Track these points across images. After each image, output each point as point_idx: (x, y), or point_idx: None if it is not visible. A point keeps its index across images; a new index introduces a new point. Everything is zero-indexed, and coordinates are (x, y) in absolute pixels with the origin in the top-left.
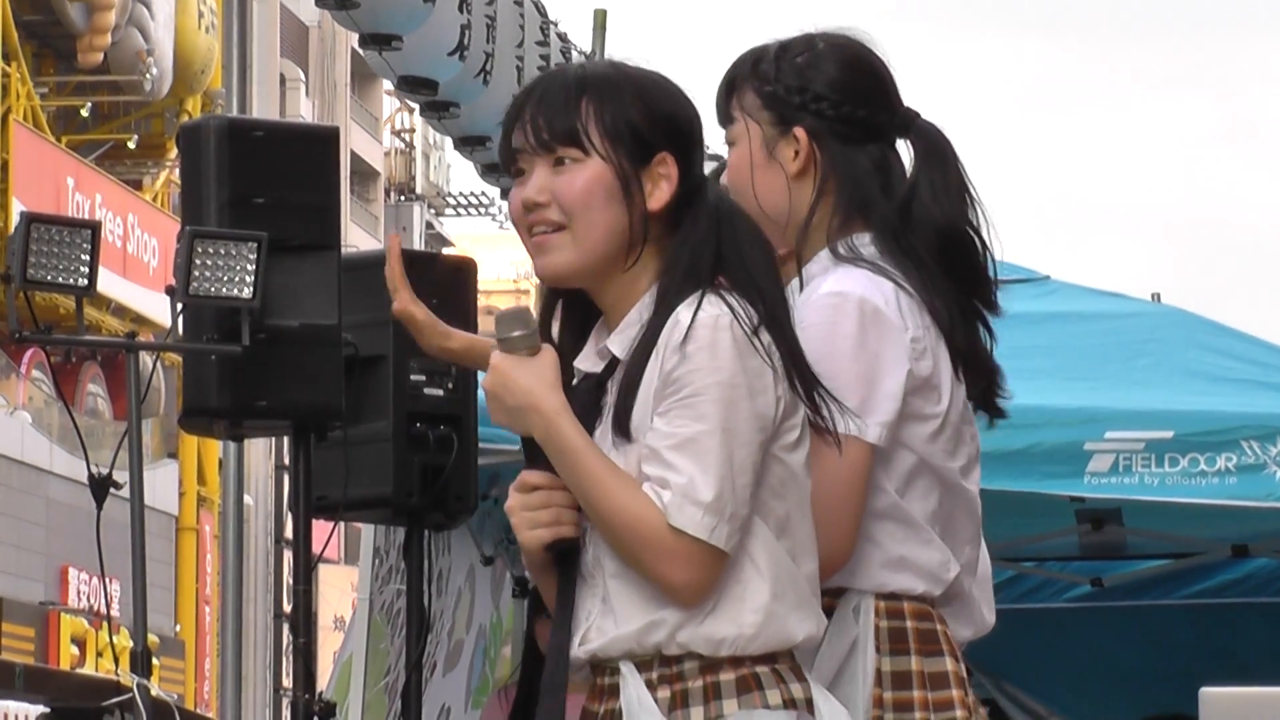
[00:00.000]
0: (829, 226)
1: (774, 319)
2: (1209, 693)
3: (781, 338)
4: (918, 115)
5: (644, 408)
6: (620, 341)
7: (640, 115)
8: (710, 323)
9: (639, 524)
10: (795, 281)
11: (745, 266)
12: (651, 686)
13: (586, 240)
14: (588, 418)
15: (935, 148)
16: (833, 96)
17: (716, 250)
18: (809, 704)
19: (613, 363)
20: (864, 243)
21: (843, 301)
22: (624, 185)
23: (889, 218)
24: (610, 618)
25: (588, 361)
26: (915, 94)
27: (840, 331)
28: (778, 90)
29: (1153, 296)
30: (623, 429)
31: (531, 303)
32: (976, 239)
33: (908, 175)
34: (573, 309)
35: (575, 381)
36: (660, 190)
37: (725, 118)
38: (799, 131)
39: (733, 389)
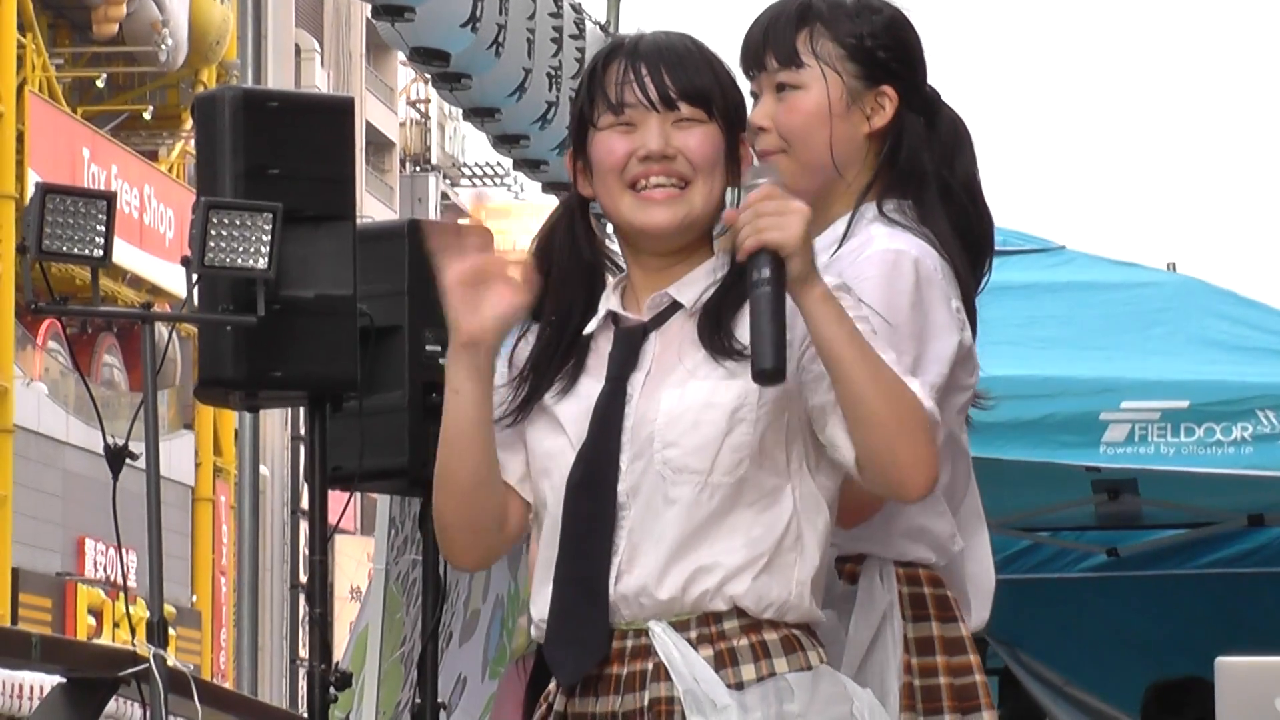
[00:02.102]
0: (877, 188)
1: None
2: (1224, 662)
3: None
4: (941, 97)
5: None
6: (688, 293)
7: (736, 94)
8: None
9: (919, 403)
10: (838, 229)
11: None
12: (691, 645)
13: (703, 199)
14: (628, 362)
15: (961, 132)
16: (908, 61)
17: None
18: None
19: (666, 311)
20: (909, 208)
21: (899, 259)
22: (728, 154)
23: (931, 191)
24: (646, 557)
25: (623, 308)
26: (930, 61)
27: (898, 288)
28: (868, 44)
29: (1168, 266)
30: (729, 352)
31: None
32: (991, 227)
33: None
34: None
35: (594, 329)
36: (741, 166)
37: (791, 60)
38: (890, 89)
39: None
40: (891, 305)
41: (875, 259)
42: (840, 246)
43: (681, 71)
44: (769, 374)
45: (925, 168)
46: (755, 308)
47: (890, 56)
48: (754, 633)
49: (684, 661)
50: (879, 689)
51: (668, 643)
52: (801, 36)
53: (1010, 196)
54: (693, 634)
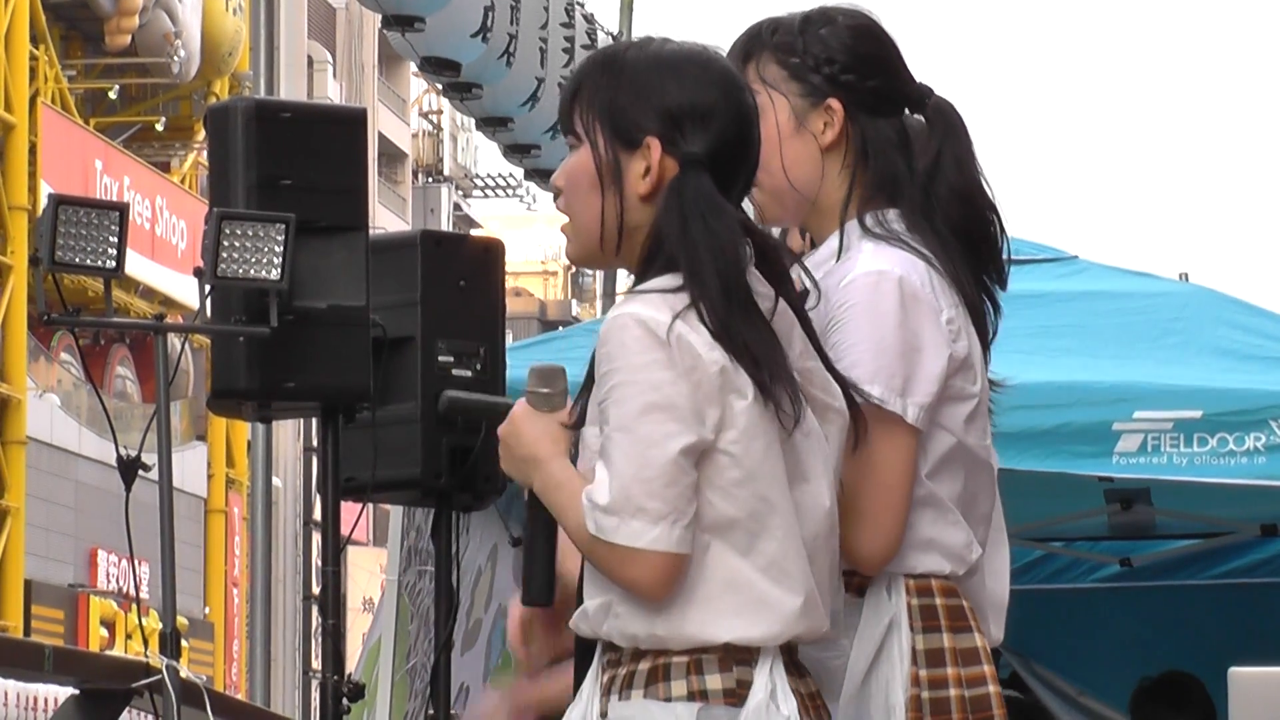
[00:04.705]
0: (856, 200)
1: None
2: (1238, 672)
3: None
4: (932, 90)
5: None
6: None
7: (601, 101)
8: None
9: (580, 536)
10: (832, 244)
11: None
12: (603, 669)
13: (583, 220)
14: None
15: (953, 124)
16: (860, 69)
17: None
18: (731, 694)
19: None
20: (892, 218)
21: (881, 280)
22: (611, 168)
23: (915, 194)
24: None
25: None
26: (942, 70)
27: (882, 309)
28: (807, 62)
29: (1181, 275)
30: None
31: (559, 284)
32: (994, 215)
33: (918, 149)
34: None
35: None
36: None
37: None
38: (834, 103)
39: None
40: (878, 329)
41: (858, 284)
42: (835, 261)
43: (566, 96)
44: (539, 604)
45: (899, 171)
46: (529, 532)
47: (836, 69)
48: (635, 661)
49: (586, 683)
50: (883, 702)
51: (593, 664)
52: (750, 66)
53: (1023, 206)
54: (605, 658)
